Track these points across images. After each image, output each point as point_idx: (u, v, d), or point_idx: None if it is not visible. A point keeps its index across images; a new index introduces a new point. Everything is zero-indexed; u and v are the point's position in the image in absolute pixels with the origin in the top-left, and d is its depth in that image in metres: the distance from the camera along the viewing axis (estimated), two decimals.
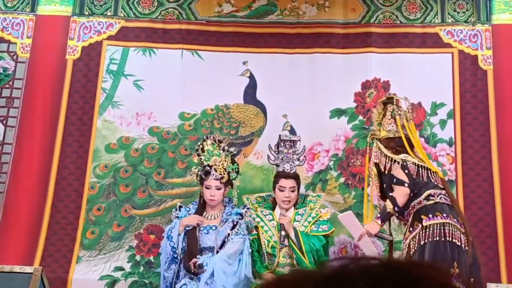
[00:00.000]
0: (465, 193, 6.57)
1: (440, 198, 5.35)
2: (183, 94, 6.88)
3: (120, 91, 6.92)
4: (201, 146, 5.77)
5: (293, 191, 5.84)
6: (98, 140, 6.80)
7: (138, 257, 6.52)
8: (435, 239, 5.13)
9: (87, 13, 7.10)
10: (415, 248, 5.17)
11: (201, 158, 5.73)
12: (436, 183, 5.42)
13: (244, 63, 6.93)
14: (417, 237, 5.21)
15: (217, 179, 5.68)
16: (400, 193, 5.37)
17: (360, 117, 6.77)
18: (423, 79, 6.80)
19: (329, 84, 6.84)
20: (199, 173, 5.73)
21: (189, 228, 5.55)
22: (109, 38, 7.04)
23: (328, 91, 6.82)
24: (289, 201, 5.83)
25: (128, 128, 6.83)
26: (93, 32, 7.04)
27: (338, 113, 6.80)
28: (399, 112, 5.58)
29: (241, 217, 5.70)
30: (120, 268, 6.47)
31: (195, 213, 5.74)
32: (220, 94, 6.89)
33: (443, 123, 6.73)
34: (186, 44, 6.97)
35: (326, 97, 6.82)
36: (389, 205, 5.36)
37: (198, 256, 5.49)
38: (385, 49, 6.90)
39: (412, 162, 5.45)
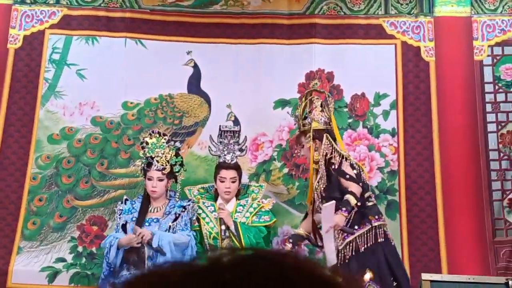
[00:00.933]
0: (407, 183, 6.63)
1: (374, 199, 5.69)
2: (126, 83, 6.83)
3: (63, 80, 6.83)
4: (145, 139, 5.78)
5: (233, 182, 5.85)
6: (40, 130, 6.73)
7: (80, 248, 6.47)
8: (385, 238, 5.51)
9: (29, 1, 6.99)
10: (368, 245, 5.38)
11: (145, 151, 5.73)
12: (368, 183, 5.73)
13: (188, 52, 6.90)
14: (366, 236, 5.46)
15: (158, 170, 5.68)
16: (357, 190, 5.52)
17: None
18: (367, 70, 6.84)
19: (273, 74, 6.84)
20: (142, 165, 5.73)
21: (127, 248, 5.53)
22: (52, 26, 6.94)
23: (272, 82, 6.82)
24: (230, 192, 5.85)
25: (71, 119, 6.76)
26: (35, 21, 6.94)
27: (282, 103, 6.81)
28: (328, 104, 5.69)
29: (184, 210, 5.69)
30: (62, 259, 6.42)
31: (140, 206, 5.71)
32: (164, 84, 6.85)
33: (386, 114, 6.78)
34: (129, 32, 6.91)
35: (270, 88, 6.82)
36: (352, 199, 5.43)
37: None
38: (329, 40, 6.92)
39: (355, 162, 5.65)
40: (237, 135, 6.03)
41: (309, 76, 6.85)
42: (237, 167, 5.92)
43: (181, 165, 5.83)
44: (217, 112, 6.79)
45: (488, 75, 6.78)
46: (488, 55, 6.82)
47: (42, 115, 6.74)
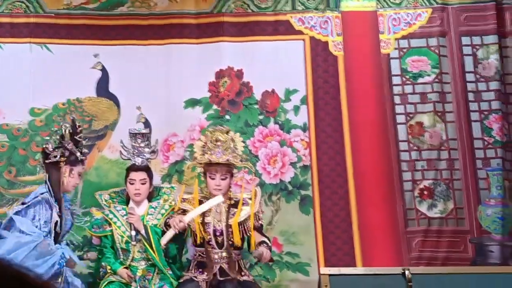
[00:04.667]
0: (319, 177, 6.67)
1: None
2: (33, 89, 6.71)
3: None
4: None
5: (143, 184, 5.79)
6: None
7: None
8: None
9: None
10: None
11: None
12: None
13: (95, 55, 6.82)
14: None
15: None
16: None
17: (215, 106, 6.79)
18: (276, 66, 6.85)
19: (182, 74, 6.81)
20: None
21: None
22: None
23: (182, 82, 6.79)
24: (140, 194, 5.79)
25: None
26: None
27: (192, 103, 6.79)
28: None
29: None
30: None
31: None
32: (71, 88, 6.75)
33: (296, 109, 6.81)
34: (34, 37, 6.79)
35: (180, 88, 6.79)
36: (268, 241, 5.48)
37: None
38: (238, 38, 6.91)
39: None
40: (147, 137, 5.99)
41: (219, 75, 6.84)
42: (147, 169, 5.87)
43: None
44: (127, 115, 6.73)
45: (395, 68, 6.87)
46: (395, 48, 6.90)
47: None
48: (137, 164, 5.83)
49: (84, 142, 5.66)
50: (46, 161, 5.43)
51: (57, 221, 5.32)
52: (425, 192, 6.63)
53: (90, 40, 6.86)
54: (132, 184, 5.79)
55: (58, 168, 5.41)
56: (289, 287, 6.48)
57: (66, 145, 5.44)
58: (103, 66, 6.81)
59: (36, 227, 5.21)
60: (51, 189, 5.37)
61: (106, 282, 5.52)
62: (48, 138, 6.54)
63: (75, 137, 5.50)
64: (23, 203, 5.36)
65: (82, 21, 6.91)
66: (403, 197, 6.64)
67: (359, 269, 4.77)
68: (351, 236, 6.54)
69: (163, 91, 6.77)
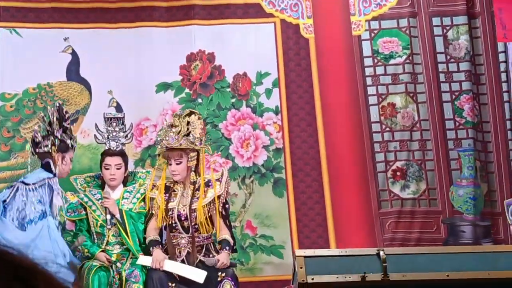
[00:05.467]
0: (292, 160, 6.69)
1: None
2: (2, 74, 6.63)
3: None
4: None
5: (119, 169, 5.79)
6: None
7: None
8: None
9: None
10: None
11: None
12: None
13: (65, 39, 6.74)
14: None
15: None
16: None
17: (187, 90, 6.76)
18: (247, 49, 6.85)
19: (153, 58, 6.76)
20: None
21: None
22: None
23: (153, 65, 6.75)
24: (115, 179, 5.78)
25: None
26: None
27: (164, 87, 6.75)
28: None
29: None
30: None
31: None
32: (42, 72, 6.67)
33: (268, 92, 6.80)
34: (2, 22, 6.69)
35: (152, 71, 6.75)
36: (231, 239, 5.51)
37: None
38: (209, 21, 6.87)
39: None
40: (121, 121, 5.97)
41: (190, 58, 6.81)
42: (122, 154, 5.87)
43: None
44: (98, 99, 6.68)
45: (366, 49, 6.88)
46: (366, 30, 6.91)
47: None
48: (111, 148, 5.83)
49: (72, 128, 5.65)
50: (37, 151, 5.41)
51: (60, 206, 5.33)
52: (398, 173, 6.68)
53: (60, 23, 6.77)
54: (108, 169, 5.79)
55: (51, 156, 5.38)
56: (264, 270, 6.50)
57: (55, 132, 5.41)
58: (73, 50, 6.74)
59: (42, 210, 5.18)
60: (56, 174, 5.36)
61: (94, 268, 5.47)
62: (19, 122, 6.52)
63: (63, 123, 5.47)
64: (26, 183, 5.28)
65: (51, 4, 6.81)
66: (376, 178, 6.68)
67: (334, 251, 4.79)
68: (325, 218, 6.58)
69: (134, 75, 6.73)
